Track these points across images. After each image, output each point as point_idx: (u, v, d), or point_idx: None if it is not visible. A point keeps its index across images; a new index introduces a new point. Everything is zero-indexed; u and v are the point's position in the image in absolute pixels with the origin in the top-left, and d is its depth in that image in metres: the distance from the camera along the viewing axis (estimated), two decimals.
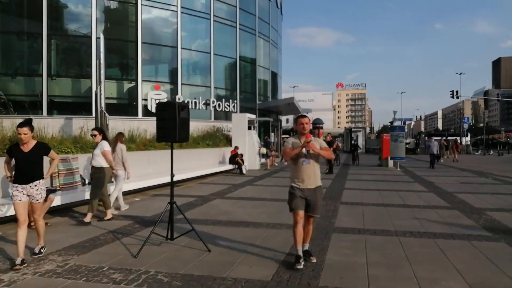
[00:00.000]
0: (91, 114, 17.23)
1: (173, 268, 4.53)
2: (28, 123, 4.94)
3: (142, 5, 22.86)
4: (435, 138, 26.39)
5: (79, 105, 20.92)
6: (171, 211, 5.56)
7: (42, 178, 5.06)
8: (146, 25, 23.28)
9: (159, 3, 23.95)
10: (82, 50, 22.11)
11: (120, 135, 8.39)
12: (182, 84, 24.38)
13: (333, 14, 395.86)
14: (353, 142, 20.99)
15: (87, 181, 9.11)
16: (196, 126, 18.87)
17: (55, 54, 22.01)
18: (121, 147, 8.06)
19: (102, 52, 16.22)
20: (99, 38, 16.25)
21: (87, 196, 8.25)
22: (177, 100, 22.64)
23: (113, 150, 7.89)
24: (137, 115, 21.83)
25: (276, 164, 21.72)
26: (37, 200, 4.99)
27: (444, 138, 31.76)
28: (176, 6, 24.34)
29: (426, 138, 36.57)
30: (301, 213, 4.67)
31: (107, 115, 15.35)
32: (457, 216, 7.76)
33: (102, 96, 15.97)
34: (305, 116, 4.74)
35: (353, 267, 4.65)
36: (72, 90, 21.92)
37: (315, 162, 4.69)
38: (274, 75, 34.83)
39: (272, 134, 28.94)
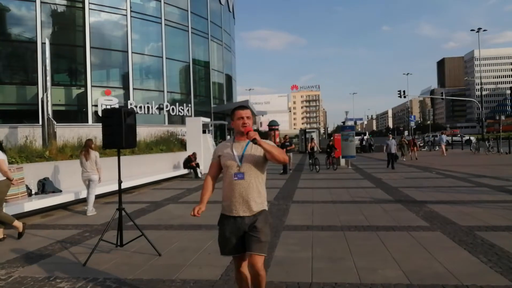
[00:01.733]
0: (38, 122, 16.64)
1: (122, 274, 4.54)
2: None
3: (89, 9, 22.32)
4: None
5: (25, 113, 20.11)
6: (120, 218, 5.54)
7: None
8: (95, 29, 22.74)
9: (107, 7, 23.47)
10: (27, 55, 21.27)
11: (89, 141, 8.60)
12: (134, 88, 24.00)
13: (286, 18, 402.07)
14: (330, 143, 19.91)
15: (34, 192, 8.84)
16: (149, 131, 18.67)
17: None
18: (95, 153, 8.44)
19: (48, 58, 15.74)
20: (45, 43, 15.74)
21: (33, 206, 8.01)
22: (129, 106, 22.27)
23: (86, 157, 8.36)
24: (87, 121, 21.26)
25: None
26: None
27: (405, 136, 32.36)
28: (126, 10, 23.97)
29: (368, 137, 38.02)
30: (239, 256, 3.24)
31: (54, 122, 14.92)
32: (399, 209, 8.24)
33: (49, 103, 15.51)
34: (245, 108, 3.24)
35: (299, 262, 4.87)
36: (17, 97, 21.02)
37: (254, 175, 3.09)
38: (228, 78, 35.01)
39: (229, 137, 28.95)
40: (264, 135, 68.66)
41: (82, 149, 8.58)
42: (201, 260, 5.06)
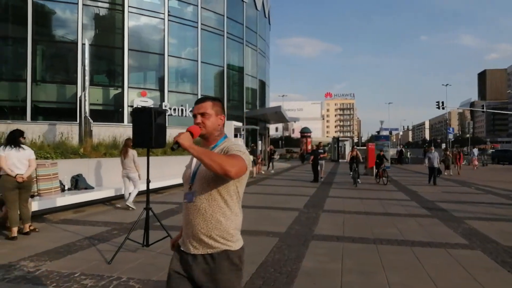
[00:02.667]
0: (76, 120, 17.09)
1: (146, 275, 4.48)
2: None
3: (129, 12, 22.85)
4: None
5: (64, 111, 20.76)
6: (147, 218, 5.51)
7: None
8: (133, 32, 23.26)
9: (146, 11, 23.96)
10: (68, 56, 21.96)
11: (128, 141, 8.85)
12: (169, 91, 24.34)
13: (321, 25, 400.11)
14: (381, 153, 17.39)
15: (66, 187, 9.01)
16: None
17: (40, 60, 21.83)
18: (132, 152, 8.80)
19: (87, 59, 16.17)
20: (85, 44, 16.20)
21: (65, 201, 8.15)
22: (163, 107, 22.60)
23: (125, 155, 8.82)
24: (122, 121, 21.69)
25: (263, 172, 21.73)
26: None
27: (450, 148, 29.89)
28: (164, 14, 24.39)
29: (401, 148, 36.85)
30: None
31: (91, 121, 15.27)
32: (436, 224, 7.83)
33: (87, 102, 15.90)
34: (204, 100, 2.29)
35: (328, 274, 4.65)
36: (57, 95, 21.73)
37: (209, 197, 2.16)
38: (262, 84, 34.99)
39: (260, 142, 29.02)
40: (295, 142, 68.35)
41: (122, 148, 9.04)
42: None
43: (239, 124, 20.59)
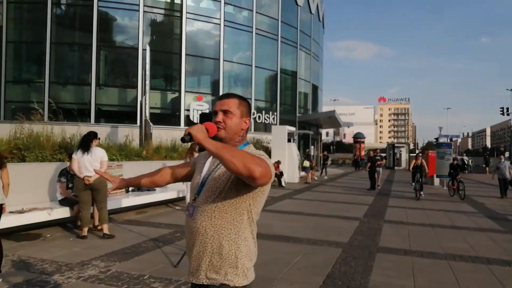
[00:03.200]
0: (136, 123, 17.76)
1: None
2: None
3: (186, 18, 23.46)
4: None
5: (124, 114, 21.66)
6: None
7: None
8: (190, 38, 23.85)
9: (203, 16, 24.51)
10: (128, 61, 22.93)
11: (194, 145, 8.87)
12: None
13: (373, 28, 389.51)
14: (455, 162, 15.88)
15: (130, 188, 9.31)
16: None
17: (103, 65, 22.96)
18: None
19: (147, 63, 16.75)
20: (145, 49, 16.79)
21: (129, 202, 8.41)
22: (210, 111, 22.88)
23: (190, 159, 8.74)
24: (179, 125, 22.26)
25: (316, 178, 21.41)
26: None
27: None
28: (219, 19, 24.80)
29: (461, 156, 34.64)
30: None
31: (151, 124, 15.76)
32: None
33: (147, 106, 16.44)
34: (227, 97, 1.95)
35: None
36: (119, 99, 22.73)
37: (212, 214, 1.84)
38: (314, 88, 34.62)
39: (312, 147, 28.69)
40: (347, 147, 66.93)
41: (187, 152, 9.18)
42: (292, 275, 4.82)
43: (292, 128, 20.45)
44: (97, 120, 21.13)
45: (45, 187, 7.09)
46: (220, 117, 1.87)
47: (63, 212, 6.50)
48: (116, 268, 4.83)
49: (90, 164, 6.15)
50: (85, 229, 6.27)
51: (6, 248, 5.51)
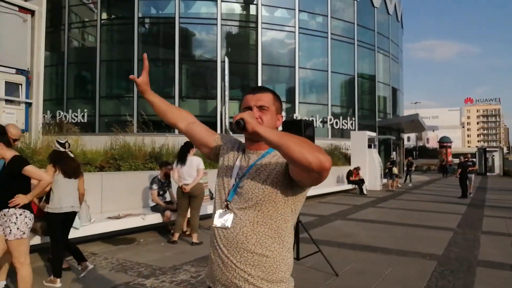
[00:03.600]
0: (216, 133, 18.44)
1: None
2: None
3: (262, 28, 23.85)
4: None
5: (206, 124, 22.52)
6: (297, 230, 5.45)
7: (8, 206, 3.54)
8: (266, 47, 24.20)
9: (277, 25, 24.77)
10: (208, 73, 23.86)
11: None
12: (299, 102, 24.64)
13: (455, 26, 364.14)
14: None
15: (214, 195, 9.57)
16: None
17: (185, 78, 24.14)
18: None
19: (226, 75, 17.32)
20: (224, 61, 17.37)
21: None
22: (294, 118, 22.92)
23: None
24: None
25: (400, 186, 20.41)
26: (6, 235, 3.56)
27: None
28: (294, 26, 24.87)
29: None
30: None
31: (230, 133, 16.20)
32: None
33: (227, 116, 16.98)
34: (260, 90, 1.83)
35: None
36: (200, 110, 23.73)
37: (256, 220, 1.63)
38: (394, 91, 33.19)
39: (394, 153, 27.46)
40: (431, 153, 62.95)
41: None
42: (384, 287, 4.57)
43: (372, 134, 19.72)
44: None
45: (139, 194, 7.55)
46: (256, 113, 1.69)
47: (155, 218, 6.87)
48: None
49: (187, 173, 6.47)
50: (177, 235, 6.55)
51: (105, 251, 5.96)
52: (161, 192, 7.13)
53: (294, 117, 23.32)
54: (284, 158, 1.54)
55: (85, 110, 22.99)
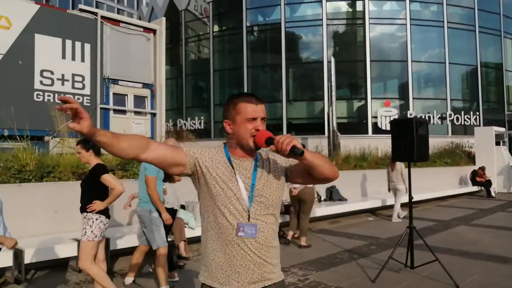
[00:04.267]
0: (324, 134, 18.20)
1: None
2: (81, 141, 4.01)
3: (369, 24, 23.00)
4: None
5: (313, 126, 22.48)
6: (411, 236, 5.12)
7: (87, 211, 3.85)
8: (374, 43, 23.26)
9: (386, 19, 23.64)
10: (314, 74, 23.78)
11: None
12: (413, 98, 23.13)
13: None
14: None
15: (322, 198, 9.51)
16: (431, 143, 17.38)
17: (292, 81, 24.41)
18: (400, 165, 8.94)
19: (333, 75, 17.05)
20: (330, 61, 17.15)
21: (322, 212, 8.58)
22: (408, 116, 21.65)
23: (392, 168, 9.14)
24: (367, 133, 21.82)
25: None
26: (81, 235, 3.90)
27: None
28: (405, 19, 23.45)
29: None
30: None
31: (338, 134, 15.90)
32: None
33: (334, 116, 16.69)
34: (259, 101, 1.87)
35: None
36: (307, 112, 23.79)
37: (270, 224, 1.85)
38: None
39: None
40: None
41: (390, 161, 9.23)
42: None
43: (502, 129, 17.58)
44: (289, 133, 22.50)
45: None
46: (261, 125, 1.80)
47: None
48: (313, 278, 4.94)
49: None
50: (290, 233, 6.77)
51: None
52: None
53: (408, 115, 21.96)
54: (312, 172, 1.79)
55: (202, 117, 24.71)
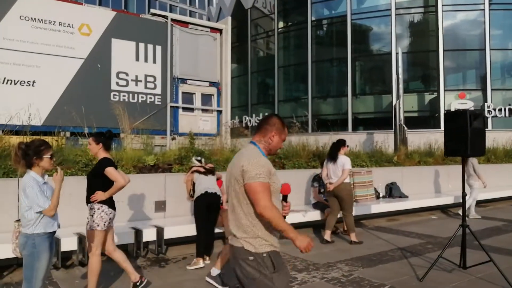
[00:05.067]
0: (391, 128, 17.52)
1: None
2: (93, 134, 4.33)
3: (443, 11, 21.64)
4: None
5: (380, 120, 21.70)
6: (464, 236, 4.87)
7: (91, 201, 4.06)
8: (448, 31, 21.85)
9: (462, 5, 22.06)
10: (382, 67, 22.91)
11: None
12: (491, 89, 21.38)
13: None
14: None
15: (381, 195, 9.24)
16: (509, 137, 16.03)
17: (359, 75, 23.77)
18: (472, 160, 8.76)
19: (400, 67, 16.35)
20: (398, 53, 16.45)
21: (380, 209, 8.34)
22: (486, 108, 20.16)
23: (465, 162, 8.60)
24: (439, 127, 20.57)
25: None
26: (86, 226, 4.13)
27: None
28: (483, 4, 21.70)
29: None
30: None
31: (405, 128, 15.24)
32: None
33: (401, 110, 16.00)
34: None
35: None
36: (374, 106, 23.01)
37: None
38: None
39: None
40: None
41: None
42: None
43: None
44: (355, 128, 21.98)
45: (302, 192, 7.88)
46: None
47: (315, 215, 7.07)
48: (358, 274, 4.89)
49: (334, 171, 6.45)
50: (327, 232, 6.51)
51: None
52: (322, 190, 7.28)
53: (486, 107, 20.40)
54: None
55: (266, 113, 24.96)
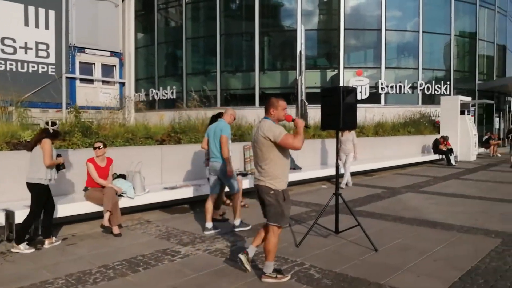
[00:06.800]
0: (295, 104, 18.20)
1: (329, 265, 4.25)
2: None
3: None
4: None
5: (285, 96, 22.34)
6: (337, 203, 5.26)
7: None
8: (349, 11, 23.01)
9: None
10: (290, 44, 23.49)
11: None
12: (386, 68, 23.15)
13: None
14: None
15: None
16: (396, 112, 17.59)
17: (267, 50, 24.11)
18: (352, 133, 9.31)
19: (303, 43, 16.90)
20: (301, 30, 16.96)
21: None
22: (379, 86, 21.81)
23: (343, 135, 9.24)
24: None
25: (499, 155, 18.38)
26: None
27: None
28: None
29: None
30: None
31: (306, 103, 15.93)
32: None
33: (303, 86, 16.65)
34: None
35: None
36: (281, 81, 23.63)
37: None
38: (501, 49, 29.45)
39: (497, 119, 24.58)
40: None
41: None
42: (423, 266, 4.22)
43: (467, 98, 17.88)
44: (262, 103, 22.40)
45: (197, 166, 7.85)
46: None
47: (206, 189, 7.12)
48: (242, 244, 5.05)
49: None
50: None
51: (160, 219, 6.37)
52: None
53: (380, 84, 22.06)
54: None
55: (174, 87, 24.36)
